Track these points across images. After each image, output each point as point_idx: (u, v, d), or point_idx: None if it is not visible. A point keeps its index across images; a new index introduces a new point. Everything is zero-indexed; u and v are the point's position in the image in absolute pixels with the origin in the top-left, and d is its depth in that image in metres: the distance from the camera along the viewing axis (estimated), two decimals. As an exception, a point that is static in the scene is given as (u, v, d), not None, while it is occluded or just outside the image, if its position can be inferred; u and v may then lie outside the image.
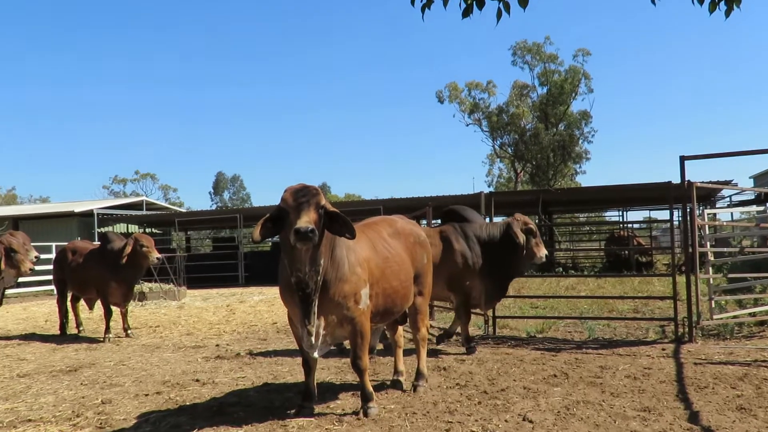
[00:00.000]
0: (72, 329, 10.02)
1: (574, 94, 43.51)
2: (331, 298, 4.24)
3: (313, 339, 4.21)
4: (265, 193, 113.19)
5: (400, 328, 5.67)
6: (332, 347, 5.12)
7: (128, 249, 8.79)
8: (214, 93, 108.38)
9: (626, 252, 21.24)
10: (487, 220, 9.09)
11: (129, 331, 9.25)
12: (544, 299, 11.34)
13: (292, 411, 4.72)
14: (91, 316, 11.54)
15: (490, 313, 8.50)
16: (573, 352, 6.97)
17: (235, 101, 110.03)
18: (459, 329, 7.38)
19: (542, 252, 7.10)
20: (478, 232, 7.10)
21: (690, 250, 7.60)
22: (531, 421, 4.35)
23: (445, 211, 7.51)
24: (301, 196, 4.01)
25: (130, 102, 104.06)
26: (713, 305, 7.81)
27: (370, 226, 5.16)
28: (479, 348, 7.32)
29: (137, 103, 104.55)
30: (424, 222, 11.14)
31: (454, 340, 8.05)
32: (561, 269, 20.81)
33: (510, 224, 7.03)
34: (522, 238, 6.97)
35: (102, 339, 8.92)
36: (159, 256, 8.84)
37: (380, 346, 7.21)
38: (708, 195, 19.04)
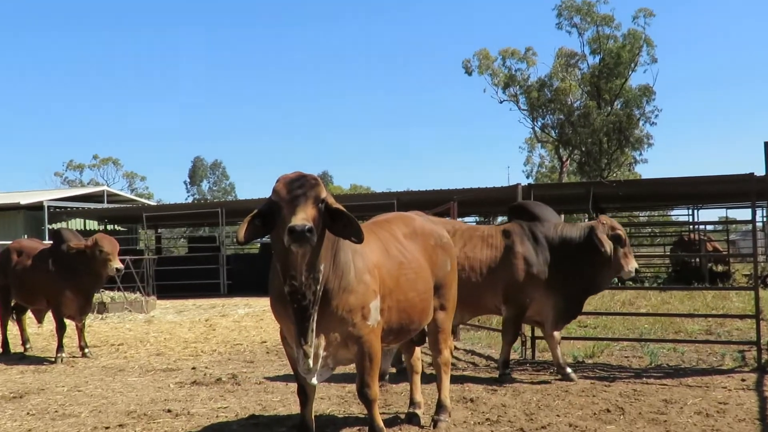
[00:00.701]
0: (17, 347, 10.10)
1: (633, 65, 43.20)
2: (334, 313, 4.24)
3: (311, 362, 4.21)
4: (253, 183, 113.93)
5: (418, 349, 5.67)
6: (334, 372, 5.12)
7: (81, 247, 8.84)
8: (190, 62, 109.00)
9: (697, 259, 21.10)
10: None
11: (86, 350, 9.32)
12: (595, 316, 11.30)
13: (285, 450, 4.73)
14: (39, 332, 11.64)
15: (527, 332, 8.48)
16: (630, 381, 6.93)
17: (216, 72, 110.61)
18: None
19: (632, 265, 7.03)
20: (551, 234, 7.06)
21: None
22: (578, 467, 4.34)
23: (513, 206, 7.55)
24: (297, 187, 4.00)
25: (88, 76, 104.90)
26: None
27: (382, 224, 5.15)
28: (515, 374, 7.30)
29: (96, 76, 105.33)
30: (449, 220, 11.17)
31: (484, 365, 8.03)
32: (616, 280, 20.74)
33: (594, 228, 6.95)
34: (609, 246, 6.86)
35: (53, 359, 8.99)
36: (120, 266, 8.90)
37: (392, 370, 7.21)
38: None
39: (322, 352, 4.29)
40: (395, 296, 4.69)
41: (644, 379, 7.08)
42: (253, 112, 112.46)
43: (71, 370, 8.36)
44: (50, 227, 24.65)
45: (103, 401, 6.57)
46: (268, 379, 7.46)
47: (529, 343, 8.48)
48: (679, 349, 8.74)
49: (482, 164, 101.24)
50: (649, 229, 31.00)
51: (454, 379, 6.85)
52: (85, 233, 9.46)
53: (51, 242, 9.60)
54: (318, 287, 4.11)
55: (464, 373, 7.58)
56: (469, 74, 46.51)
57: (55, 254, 9.15)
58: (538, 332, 8.11)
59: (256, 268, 22.25)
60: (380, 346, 4.56)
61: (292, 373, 4.69)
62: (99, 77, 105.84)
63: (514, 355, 8.59)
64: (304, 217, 3.84)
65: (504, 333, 7.18)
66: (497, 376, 7.04)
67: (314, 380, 4.36)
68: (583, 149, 43.81)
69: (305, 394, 4.67)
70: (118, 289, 16.04)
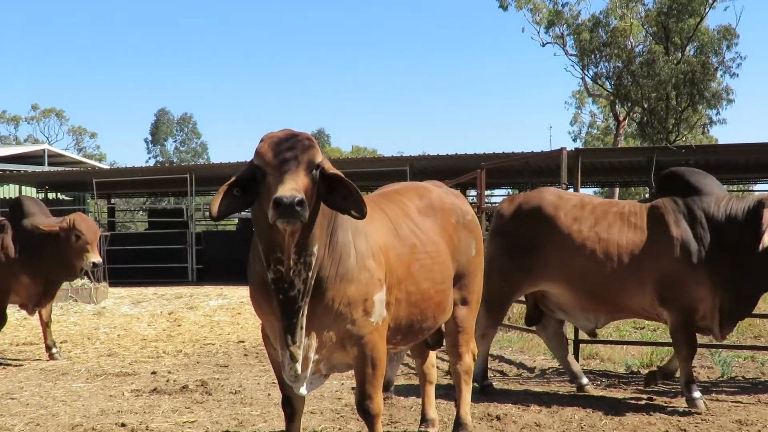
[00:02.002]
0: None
1: (711, 1, 42.82)
2: (329, 306, 4.26)
3: (299, 367, 4.23)
4: (230, 143, 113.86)
5: (433, 354, 5.70)
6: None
7: (54, 230, 8.86)
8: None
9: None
10: (571, 190, 9.06)
11: (54, 351, 9.37)
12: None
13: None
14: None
15: (570, 335, 8.50)
16: (697, 398, 6.95)
17: (185, 3, 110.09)
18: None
19: None
20: (713, 210, 6.67)
21: None
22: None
23: (663, 175, 7.24)
24: (287, 149, 3.99)
25: (24, 5, 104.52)
26: None
27: (390, 197, 5.16)
28: (552, 386, 7.33)
29: (36, 6, 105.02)
30: (474, 192, 11.11)
31: (514, 374, 8.07)
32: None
33: (763, 204, 6.49)
34: None
35: None
36: (98, 260, 8.98)
37: (400, 381, 7.26)
38: None
39: (313, 355, 4.30)
40: (405, 287, 4.70)
41: (714, 394, 7.09)
42: (230, 54, 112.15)
43: (2, 373, 8.44)
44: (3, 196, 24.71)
45: (41, 412, 6.63)
46: (245, 387, 7.52)
47: (571, 348, 8.50)
48: (759, 358, 8.76)
49: (518, 123, 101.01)
50: (726, 208, 30.94)
51: (477, 392, 6.89)
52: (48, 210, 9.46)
53: (8, 213, 9.57)
54: (310, 274, 4.12)
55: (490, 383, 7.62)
56: (504, 8, 46.14)
57: (13, 229, 9.16)
58: (582, 335, 8.13)
59: (232, 249, 22.31)
60: (385, 348, 4.58)
61: (276, 380, 4.71)
62: (39, 8, 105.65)
63: (552, 363, 8.63)
64: (293, 186, 3.81)
65: (676, 345, 6.83)
66: (685, 402, 6.64)
67: (303, 390, 4.38)
68: (646, 106, 43.46)
69: (292, 407, 4.70)
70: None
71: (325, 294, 4.22)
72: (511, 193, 31.43)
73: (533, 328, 7.79)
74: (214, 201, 4.03)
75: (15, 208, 9.45)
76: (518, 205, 7.25)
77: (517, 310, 11.57)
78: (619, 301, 6.90)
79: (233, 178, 4.06)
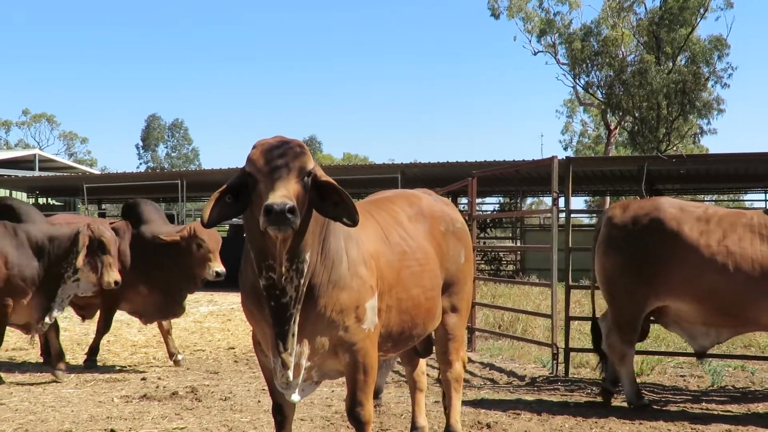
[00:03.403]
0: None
1: (702, 11, 42.99)
2: (321, 313, 4.25)
3: (290, 374, 4.22)
4: (221, 149, 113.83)
5: (423, 362, 5.70)
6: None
7: (176, 239, 8.59)
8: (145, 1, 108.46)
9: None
10: (562, 199, 9.08)
11: (180, 358, 9.25)
12: (644, 325, 11.32)
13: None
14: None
15: (561, 344, 8.52)
16: (687, 406, 6.98)
17: (178, 11, 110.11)
18: None
19: None
20: None
21: None
22: None
23: None
24: (278, 156, 3.99)
25: (17, 12, 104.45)
26: None
27: (381, 204, 5.16)
28: (542, 395, 7.33)
29: (28, 12, 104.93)
30: (465, 200, 11.14)
31: (505, 382, 8.07)
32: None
33: None
34: None
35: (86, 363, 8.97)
36: (222, 269, 8.74)
37: (389, 391, 7.25)
38: None
39: (305, 363, 4.29)
40: (396, 293, 4.70)
41: (704, 403, 7.11)
42: (222, 60, 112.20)
43: (-9, 378, 8.39)
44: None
45: (30, 418, 6.61)
46: (235, 394, 7.51)
47: (562, 357, 8.52)
48: (749, 367, 8.78)
49: (509, 132, 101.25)
50: (717, 217, 31.14)
51: (468, 400, 6.90)
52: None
53: (122, 219, 9.29)
54: (302, 281, 4.11)
55: (480, 392, 7.62)
56: (497, 17, 46.27)
57: (131, 235, 8.93)
58: (573, 343, 8.14)
59: (223, 255, 22.23)
60: (377, 355, 4.58)
61: (266, 387, 4.71)
62: (31, 13, 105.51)
63: (542, 371, 8.64)
64: (285, 194, 3.81)
65: None
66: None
67: (295, 397, 4.37)
68: (637, 115, 43.59)
69: (282, 414, 4.69)
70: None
71: (317, 301, 4.22)
72: (502, 201, 31.51)
73: (525, 336, 7.78)
74: (205, 208, 4.03)
75: (132, 212, 9.16)
76: (634, 217, 6.92)
77: (507, 318, 11.59)
78: (750, 315, 6.71)
79: (225, 185, 4.07)
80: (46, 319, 8.17)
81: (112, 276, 8.04)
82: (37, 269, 8.05)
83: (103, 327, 9.18)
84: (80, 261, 7.92)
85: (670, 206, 6.90)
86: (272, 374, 4.35)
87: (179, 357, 9.18)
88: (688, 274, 6.60)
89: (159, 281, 8.81)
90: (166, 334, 9.25)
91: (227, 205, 4.07)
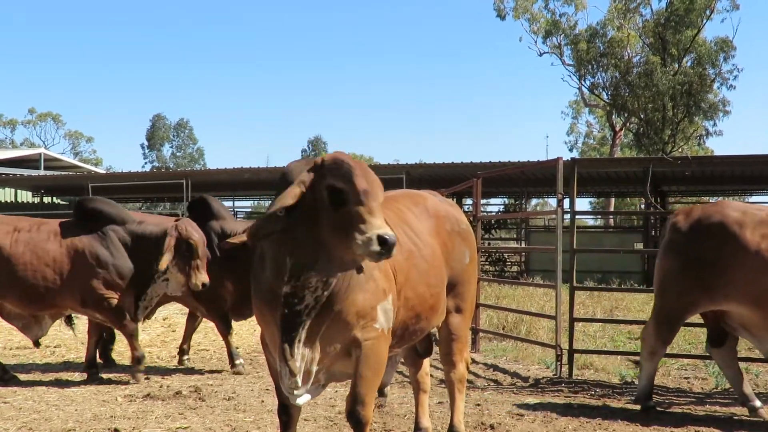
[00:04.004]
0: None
1: (708, 12, 42.92)
2: (335, 319, 4.23)
3: (299, 380, 4.21)
4: (227, 148, 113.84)
5: (426, 363, 5.70)
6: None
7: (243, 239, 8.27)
8: (150, 1, 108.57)
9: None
10: (566, 200, 9.07)
11: (238, 363, 8.84)
12: (648, 327, 11.31)
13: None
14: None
15: (565, 345, 8.51)
16: (690, 408, 6.98)
17: (183, 11, 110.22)
18: None
19: None
20: None
21: None
22: None
23: None
24: (374, 181, 4.07)
25: (22, 11, 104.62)
26: None
27: (386, 204, 5.14)
28: (546, 396, 7.33)
29: (33, 12, 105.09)
30: (470, 201, 11.13)
31: (508, 383, 8.06)
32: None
33: None
34: None
35: (234, 368, 8.72)
36: (206, 281, 8.17)
37: (392, 392, 7.24)
38: None
39: (315, 367, 4.29)
40: (404, 293, 4.70)
41: (707, 405, 7.10)
42: (227, 60, 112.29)
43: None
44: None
45: (34, 416, 6.62)
46: (239, 393, 7.51)
47: (565, 358, 8.51)
48: (753, 370, 8.77)
49: (514, 133, 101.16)
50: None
51: (471, 401, 6.89)
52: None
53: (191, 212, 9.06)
54: (326, 293, 4.14)
55: (484, 393, 7.61)
56: (502, 18, 46.26)
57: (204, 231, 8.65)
58: (577, 344, 8.13)
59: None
60: (386, 357, 4.57)
61: (270, 387, 4.71)
62: (36, 12, 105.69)
63: (546, 372, 8.63)
64: (385, 223, 3.95)
65: None
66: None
67: (302, 399, 4.36)
68: (642, 116, 43.54)
69: (288, 415, 4.67)
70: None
71: (333, 307, 4.21)
72: (507, 202, 31.48)
73: (529, 337, 7.74)
74: (262, 227, 4.04)
75: (198, 208, 8.96)
76: (697, 220, 6.83)
77: (511, 319, 11.57)
78: None
79: (288, 201, 4.01)
80: (138, 317, 8.25)
81: (200, 278, 7.98)
82: (129, 268, 8.05)
83: (226, 329, 8.89)
84: (163, 263, 7.84)
85: (733, 210, 6.78)
86: (279, 377, 4.35)
87: (238, 362, 8.83)
88: (749, 278, 6.47)
89: (232, 280, 8.62)
90: (226, 337, 8.98)
91: (279, 218, 4.06)
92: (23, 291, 8.05)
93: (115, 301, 8.07)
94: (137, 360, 8.15)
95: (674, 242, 6.87)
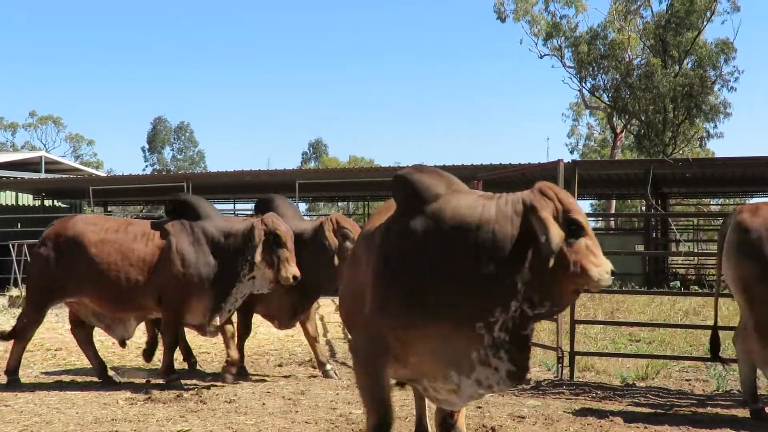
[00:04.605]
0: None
1: (709, 14, 42.90)
2: None
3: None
4: (228, 151, 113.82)
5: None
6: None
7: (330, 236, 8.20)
8: (151, 2, 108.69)
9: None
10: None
11: (329, 368, 8.71)
12: (650, 328, 11.34)
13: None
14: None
15: (566, 348, 8.51)
16: (691, 410, 6.98)
17: (183, 13, 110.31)
18: None
19: None
20: None
21: None
22: None
23: None
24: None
25: (22, 13, 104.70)
26: None
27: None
28: (547, 399, 7.33)
29: (33, 13, 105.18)
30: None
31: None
32: (678, 284, 20.78)
33: None
34: None
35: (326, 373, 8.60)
36: (297, 273, 7.92)
37: (393, 394, 7.23)
38: None
39: None
40: None
41: (709, 407, 7.10)
42: (228, 63, 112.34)
43: (-4, 380, 8.41)
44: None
45: (35, 419, 6.62)
46: (240, 395, 7.51)
47: (566, 360, 8.51)
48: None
49: (515, 135, 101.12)
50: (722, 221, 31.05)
51: (472, 403, 6.89)
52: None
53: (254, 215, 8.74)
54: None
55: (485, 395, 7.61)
56: (503, 20, 46.24)
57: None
58: (579, 347, 8.13)
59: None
60: None
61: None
62: (37, 14, 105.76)
63: (547, 374, 8.63)
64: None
65: None
66: None
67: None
68: (643, 118, 43.51)
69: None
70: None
71: None
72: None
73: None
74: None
75: (266, 208, 8.62)
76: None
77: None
78: None
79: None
80: (216, 320, 8.05)
81: (290, 271, 7.78)
82: (214, 267, 7.92)
83: (244, 331, 8.86)
84: (258, 256, 7.75)
85: None
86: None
87: (329, 368, 8.68)
88: None
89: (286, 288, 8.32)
90: (313, 341, 8.84)
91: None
92: (108, 291, 8.01)
93: (195, 303, 7.97)
94: (165, 369, 8.09)
95: (745, 243, 6.56)
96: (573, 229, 4.12)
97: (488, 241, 4.16)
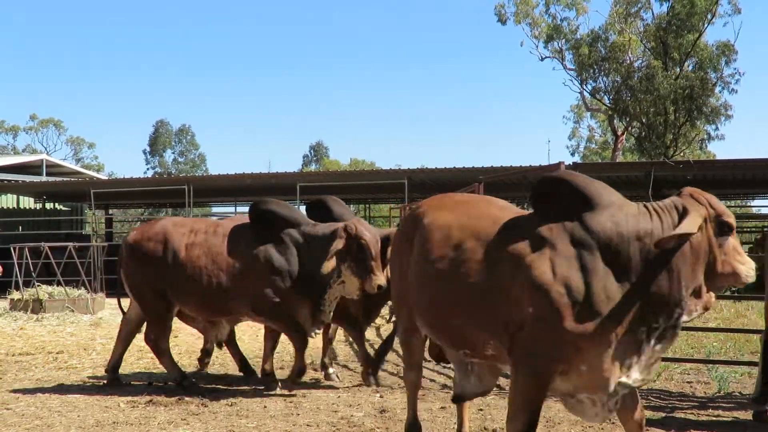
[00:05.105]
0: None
1: (710, 16, 42.91)
2: None
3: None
4: (229, 154, 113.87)
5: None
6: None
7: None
8: (153, 4, 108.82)
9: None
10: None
11: (331, 371, 8.59)
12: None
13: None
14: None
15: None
16: (693, 413, 6.97)
17: (185, 16, 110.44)
18: None
19: None
20: None
21: None
22: None
23: None
24: None
25: (23, 16, 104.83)
26: None
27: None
28: (547, 401, 7.32)
29: (34, 14, 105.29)
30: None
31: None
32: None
33: None
34: None
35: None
36: (383, 282, 7.62)
37: (395, 397, 7.19)
38: None
39: None
40: None
41: (710, 410, 7.09)
42: (229, 66, 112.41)
43: (-2, 383, 8.42)
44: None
45: (36, 423, 6.63)
46: (243, 398, 7.51)
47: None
48: (756, 374, 8.74)
49: (516, 137, 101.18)
50: (724, 223, 31.06)
51: (474, 405, 6.89)
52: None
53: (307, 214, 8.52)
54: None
55: (487, 398, 7.60)
56: (503, 22, 46.26)
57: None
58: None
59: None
60: None
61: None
62: (38, 17, 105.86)
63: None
64: None
65: None
66: None
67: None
68: (644, 121, 43.49)
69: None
70: (58, 284, 16.07)
71: None
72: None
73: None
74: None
75: (317, 209, 8.38)
76: None
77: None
78: None
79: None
80: (319, 324, 7.96)
81: (376, 280, 7.53)
82: (304, 274, 7.74)
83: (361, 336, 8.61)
84: (326, 267, 7.58)
85: None
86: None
87: (331, 371, 8.55)
88: None
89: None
90: (328, 343, 8.83)
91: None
92: (198, 296, 7.89)
93: (287, 309, 7.81)
94: (298, 372, 7.92)
95: None
96: (725, 231, 4.31)
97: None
